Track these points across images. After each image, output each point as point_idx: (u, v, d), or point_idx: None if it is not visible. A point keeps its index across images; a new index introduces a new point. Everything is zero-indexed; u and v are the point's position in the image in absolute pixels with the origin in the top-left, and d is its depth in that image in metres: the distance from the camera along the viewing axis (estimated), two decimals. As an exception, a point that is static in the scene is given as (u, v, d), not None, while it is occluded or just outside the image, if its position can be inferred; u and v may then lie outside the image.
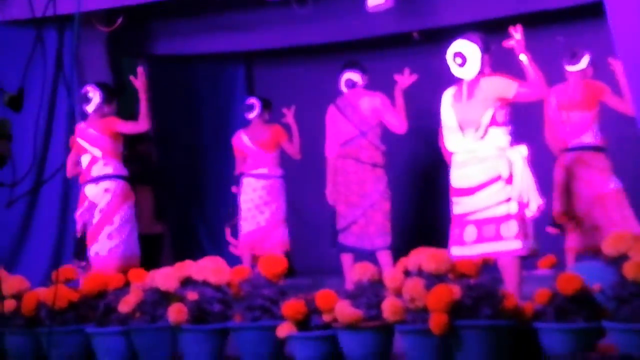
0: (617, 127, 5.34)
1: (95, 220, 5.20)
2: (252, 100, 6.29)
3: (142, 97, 5.22)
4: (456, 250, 4.12)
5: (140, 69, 5.34)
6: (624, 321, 3.17)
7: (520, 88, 4.08)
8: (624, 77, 4.44)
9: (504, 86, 4.08)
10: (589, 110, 5.23)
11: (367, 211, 5.30)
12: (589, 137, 5.23)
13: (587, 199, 5.22)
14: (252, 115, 6.23)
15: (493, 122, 4.09)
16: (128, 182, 5.32)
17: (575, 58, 5.21)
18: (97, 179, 5.23)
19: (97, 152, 5.25)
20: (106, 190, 5.21)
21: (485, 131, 4.08)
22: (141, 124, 5.21)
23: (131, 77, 5.32)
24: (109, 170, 5.24)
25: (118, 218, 5.21)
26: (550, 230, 5.21)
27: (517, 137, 4.20)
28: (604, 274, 3.39)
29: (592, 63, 5.22)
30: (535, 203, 4.09)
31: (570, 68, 5.25)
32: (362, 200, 5.32)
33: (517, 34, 4.13)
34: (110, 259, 5.15)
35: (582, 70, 5.20)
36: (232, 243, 6.27)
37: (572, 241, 5.22)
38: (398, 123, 5.34)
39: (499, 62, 4.24)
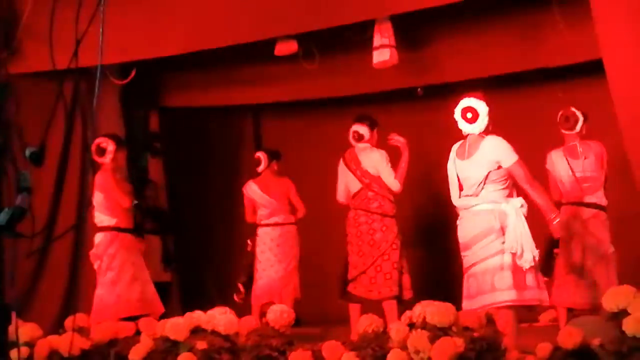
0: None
1: (96, 267, 5.42)
2: (259, 155, 6.38)
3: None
4: (465, 304, 4.13)
5: None
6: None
7: (516, 165, 4.11)
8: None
9: (505, 154, 4.13)
10: (602, 170, 5.34)
11: (377, 260, 5.37)
12: (603, 198, 5.32)
13: (594, 255, 5.28)
14: (260, 169, 6.35)
15: (488, 179, 4.14)
16: (118, 231, 5.43)
17: (569, 123, 5.33)
18: (96, 229, 5.45)
19: (95, 204, 5.45)
20: (97, 242, 5.40)
21: (481, 188, 4.14)
22: (126, 201, 5.38)
23: None
24: (97, 221, 5.43)
25: (108, 267, 5.35)
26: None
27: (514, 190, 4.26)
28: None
29: (584, 121, 5.34)
30: (530, 253, 4.06)
31: (567, 132, 5.39)
32: (372, 249, 5.39)
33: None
34: (107, 305, 5.31)
35: (579, 132, 5.35)
36: (241, 292, 6.27)
37: (565, 295, 5.20)
38: (391, 182, 5.41)
39: (496, 119, 4.34)
